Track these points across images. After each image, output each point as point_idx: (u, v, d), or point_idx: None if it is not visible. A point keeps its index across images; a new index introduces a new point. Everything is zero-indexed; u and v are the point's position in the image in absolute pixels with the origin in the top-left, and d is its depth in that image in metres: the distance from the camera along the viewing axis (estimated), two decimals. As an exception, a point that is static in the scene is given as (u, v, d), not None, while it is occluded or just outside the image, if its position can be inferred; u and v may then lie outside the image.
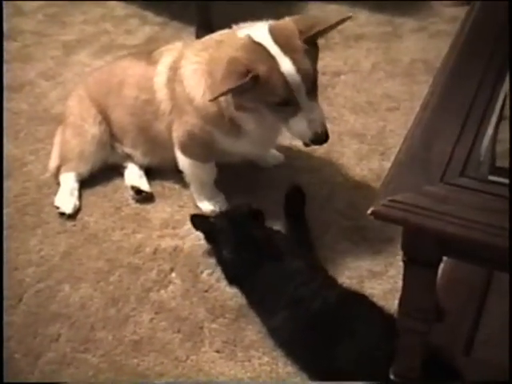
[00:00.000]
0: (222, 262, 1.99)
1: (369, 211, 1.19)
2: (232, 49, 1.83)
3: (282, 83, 1.79)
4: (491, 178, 1.22)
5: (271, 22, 1.88)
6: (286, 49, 1.80)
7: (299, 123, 1.86)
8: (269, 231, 2.02)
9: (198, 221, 2.04)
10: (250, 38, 1.82)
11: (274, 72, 1.79)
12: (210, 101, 1.85)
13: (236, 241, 1.95)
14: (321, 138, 1.88)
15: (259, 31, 1.84)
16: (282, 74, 1.79)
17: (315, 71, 1.87)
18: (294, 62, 1.79)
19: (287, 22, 1.87)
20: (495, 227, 1.13)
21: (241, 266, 1.93)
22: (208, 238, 2.03)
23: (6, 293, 1.96)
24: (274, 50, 1.80)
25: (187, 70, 2.00)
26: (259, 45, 1.81)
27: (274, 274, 1.87)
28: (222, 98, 1.89)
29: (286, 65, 1.79)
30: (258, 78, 1.77)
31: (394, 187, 1.21)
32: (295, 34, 1.83)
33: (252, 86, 1.78)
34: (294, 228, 2.04)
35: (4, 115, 2.64)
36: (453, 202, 1.18)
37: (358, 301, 1.75)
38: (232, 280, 1.96)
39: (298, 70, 1.79)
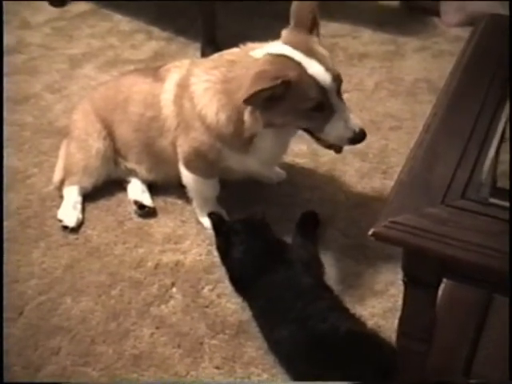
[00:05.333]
0: (229, 263, 2.00)
1: (370, 232, 1.20)
2: (253, 66, 1.84)
3: (314, 85, 1.81)
4: (492, 200, 1.23)
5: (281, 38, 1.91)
6: (309, 53, 1.83)
7: (336, 126, 1.87)
8: (282, 241, 2.04)
9: (216, 218, 2.06)
10: (269, 53, 1.84)
11: (304, 76, 1.81)
12: (245, 102, 1.79)
13: (248, 243, 1.97)
14: (360, 135, 1.88)
15: (276, 46, 1.87)
16: (312, 77, 1.81)
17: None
18: (320, 62, 1.82)
19: (293, 30, 1.90)
20: (495, 250, 1.14)
21: (249, 269, 1.94)
22: (219, 238, 2.03)
23: (6, 305, 1.96)
24: (298, 56, 1.82)
25: (198, 88, 2.00)
26: (281, 56, 1.83)
27: (282, 284, 1.88)
28: (247, 117, 1.89)
29: (314, 66, 1.82)
30: (289, 83, 1.78)
31: (395, 208, 1.23)
32: (310, 38, 1.88)
33: (284, 93, 1.79)
34: (304, 245, 2.06)
35: (8, 127, 2.66)
36: (453, 225, 1.19)
37: (367, 341, 1.72)
38: (236, 282, 1.97)
39: (327, 70, 1.82)
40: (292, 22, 1.91)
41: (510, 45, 1.65)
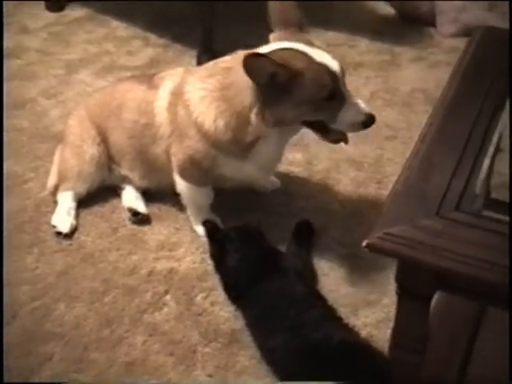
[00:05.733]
0: (223, 271, 2.00)
1: (364, 243, 1.20)
2: None
3: (326, 72, 1.83)
4: (485, 213, 1.24)
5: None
6: (310, 44, 1.86)
7: (349, 112, 1.89)
8: (276, 250, 2.05)
9: (210, 226, 2.06)
10: (268, 52, 1.84)
11: (313, 64, 1.83)
12: (247, 71, 1.77)
13: (243, 251, 1.97)
14: (372, 117, 1.91)
15: (271, 46, 1.89)
16: (321, 64, 1.83)
17: None
18: (324, 51, 1.86)
19: (283, 30, 1.93)
20: (489, 263, 1.15)
21: (243, 277, 1.94)
22: (214, 245, 2.03)
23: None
24: (301, 47, 1.85)
25: (194, 96, 2.00)
26: (284, 49, 1.85)
27: (275, 293, 1.88)
28: (254, 118, 1.89)
29: (321, 55, 1.85)
30: (297, 73, 1.79)
31: (390, 220, 1.23)
32: (303, 34, 1.92)
33: (294, 84, 1.80)
34: (298, 254, 2.07)
35: (5, 132, 2.66)
36: (447, 237, 1.20)
37: (360, 352, 1.72)
38: (230, 290, 1.97)
39: (333, 58, 1.86)
40: (274, 23, 1.94)
41: (510, 45, 1.67)
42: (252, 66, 1.77)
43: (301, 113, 1.89)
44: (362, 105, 1.91)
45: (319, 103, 1.86)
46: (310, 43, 1.88)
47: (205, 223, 2.09)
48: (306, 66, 1.82)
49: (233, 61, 1.96)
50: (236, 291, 1.96)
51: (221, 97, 1.94)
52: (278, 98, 1.84)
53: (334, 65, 1.85)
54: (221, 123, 1.95)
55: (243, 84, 1.87)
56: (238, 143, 1.97)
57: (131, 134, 2.21)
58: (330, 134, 1.97)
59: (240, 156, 2.02)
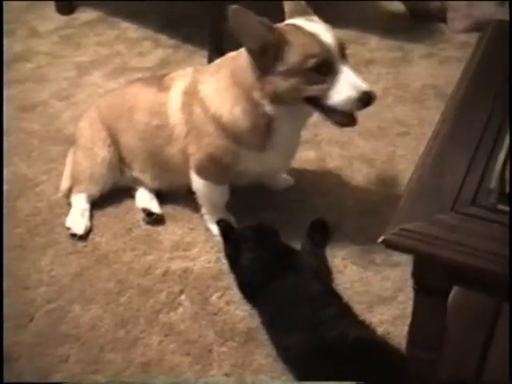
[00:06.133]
0: (238, 270, 2.00)
1: (379, 239, 1.20)
2: None
3: (315, 41, 1.81)
4: (500, 207, 1.23)
5: None
6: (309, 19, 1.88)
7: (342, 88, 1.82)
8: (290, 248, 2.04)
9: (224, 225, 2.06)
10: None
11: (302, 32, 1.83)
12: (234, 30, 1.79)
13: (258, 250, 1.97)
14: (369, 94, 1.82)
15: None
16: (311, 33, 1.82)
17: None
18: (320, 23, 1.86)
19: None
20: (504, 257, 1.14)
21: (258, 275, 1.94)
22: (228, 245, 2.04)
23: (16, 312, 1.97)
24: (297, 21, 1.86)
25: (208, 91, 2.01)
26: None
27: (291, 290, 1.88)
28: (257, 93, 1.89)
29: (313, 25, 1.85)
30: (286, 40, 1.80)
31: (405, 216, 1.22)
32: (310, 14, 1.92)
33: (283, 50, 1.80)
34: (313, 252, 2.07)
35: (17, 135, 2.68)
36: (463, 231, 1.19)
37: (376, 349, 1.71)
38: (245, 289, 1.98)
39: (326, 29, 1.84)
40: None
41: (510, 44, 1.66)
42: (237, 19, 1.78)
43: (292, 84, 1.84)
44: (359, 80, 1.83)
45: (310, 75, 1.82)
46: (311, 18, 1.88)
47: (218, 223, 2.09)
48: (294, 34, 1.81)
49: (238, 53, 1.97)
50: (251, 290, 1.96)
51: (232, 84, 1.95)
52: (270, 67, 1.83)
53: (327, 35, 1.82)
54: (237, 111, 1.95)
55: (246, 63, 1.88)
56: (256, 131, 1.97)
57: (143, 136, 2.22)
58: (334, 114, 1.89)
59: (259, 147, 2.01)
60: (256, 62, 1.85)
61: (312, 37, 1.81)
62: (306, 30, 1.83)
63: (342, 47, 1.85)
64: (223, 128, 1.99)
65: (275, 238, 2.02)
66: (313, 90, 1.85)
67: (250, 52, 1.85)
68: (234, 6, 1.77)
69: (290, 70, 1.82)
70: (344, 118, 1.90)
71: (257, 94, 1.90)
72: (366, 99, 1.82)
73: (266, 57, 1.83)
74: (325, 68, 1.81)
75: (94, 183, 2.32)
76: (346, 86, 1.82)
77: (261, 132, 1.97)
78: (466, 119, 1.50)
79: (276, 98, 1.88)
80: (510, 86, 1.53)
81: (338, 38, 1.84)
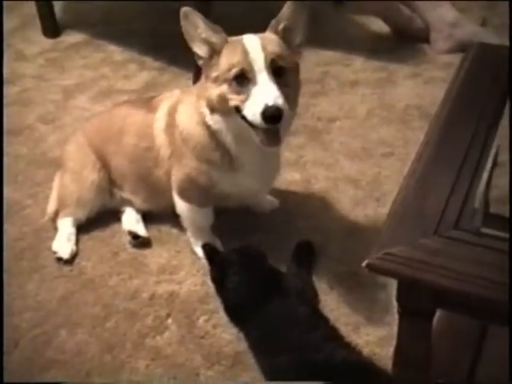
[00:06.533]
0: (224, 293, 1.99)
1: (363, 264, 1.21)
2: None
3: (240, 50, 1.81)
4: (484, 230, 1.24)
5: None
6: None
7: (252, 100, 1.78)
8: (277, 271, 2.04)
9: (209, 249, 2.06)
10: None
11: (230, 43, 1.85)
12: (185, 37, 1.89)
13: (243, 274, 1.96)
14: (272, 109, 1.74)
15: None
16: (238, 43, 1.83)
17: (287, 57, 1.85)
18: (261, 38, 1.84)
19: None
20: (488, 280, 1.15)
21: (244, 298, 1.93)
22: (214, 269, 2.03)
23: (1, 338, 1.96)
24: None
25: (181, 111, 2.04)
26: None
27: (278, 313, 1.88)
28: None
29: (246, 36, 1.86)
30: (217, 49, 1.85)
31: (389, 240, 1.23)
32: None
33: (215, 60, 1.85)
34: (299, 274, 2.06)
35: (3, 158, 2.67)
36: (446, 255, 1.20)
37: (363, 370, 1.72)
38: (232, 312, 1.97)
39: (257, 41, 1.82)
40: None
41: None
42: (187, 21, 1.85)
43: (221, 91, 1.84)
44: (269, 93, 1.76)
45: (233, 85, 1.82)
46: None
47: (204, 246, 2.08)
48: (230, 43, 1.85)
49: None
50: (237, 313, 1.95)
51: (197, 101, 1.97)
52: (210, 74, 1.88)
53: (253, 47, 1.80)
54: (193, 124, 1.98)
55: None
56: (211, 146, 1.97)
57: (132, 158, 2.23)
58: (258, 131, 1.82)
59: (228, 167, 2.00)
60: (203, 70, 1.90)
61: (239, 47, 1.82)
62: (239, 40, 1.85)
63: (272, 60, 1.80)
64: (192, 149, 2.01)
65: (261, 261, 2.02)
66: (234, 100, 1.84)
67: (199, 58, 1.90)
68: (184, 8, 1.82)
69: (220, 77, 1.85)
70: (265, 135, 1.82)
71: (202, 104, 1.93)
72: (267, 113, 1.75)
73: (211, 64, 1.87)
74: (244, 78, 1.81)
75: (80, 207, 2.32)
76: (256, 99, 1.78)
77: (217, 148, 1.97)
78: (449, 139, 1.51)
79: (210, 106, 1.90)
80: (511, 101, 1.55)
81: (272, 52, 1.81)
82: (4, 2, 3.76)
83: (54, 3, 3.65)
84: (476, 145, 1.47)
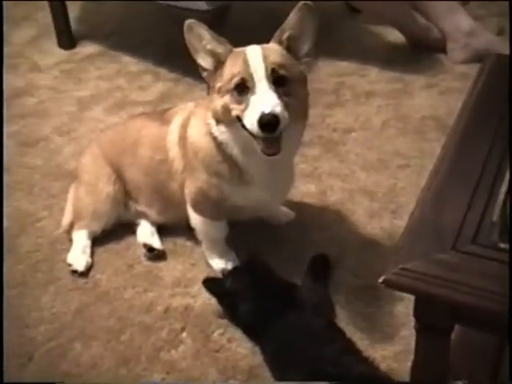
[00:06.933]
0: (237, 318, 1.98)
1: (380, 280, 1.20)
2: None
3: (241, 60, 1.81)
4: (501, 245, 1.22)
5: None
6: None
7: (251, 109, 1.78)
8: (289, 284, 2.03)
9: (211, 284, 2.03)
10: None
11: (233, 53, 1.86)
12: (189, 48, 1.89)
13: (253, 296, 1.95)
14: (268, 117, 1.73)
15: None
16: (240, 53, 1.83)
17: (290, 67, 1.84)
18: (262, 48, 1.84)
19: None
20: (505, 296, 1.13)
21: (259, 317, 1.91)
22: (222, 302, 2.02)
23: (16, 351, 1.96)
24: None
25: (193, 124, 2.04)
26: None
27: (294, 327, 1.87)
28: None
29: (248, 47, 1.85)
30: (220, 60, 1.86)
31: (405, 255, 1.22)
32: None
33: (219, 71, 1.86)
34: (315, 287, 2.04)
35: (19, 170, 2.69)
36: (464, 270, 1.18)
37: None
38: (247, 331, 1.96)
39: (258, 51, 1.82)
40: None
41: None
42: (192, 34, 1.86)
43: (224, 102, 1.85)
44: (268, 102, 1.75)
45: (234, 94, 1.82)
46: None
47: (204, 282, 2.04)
48: (233, 53, 1.85)
49: None
50: (252, 332, 1.94)
51: (205, 113, 1.97)
52: (212, 86, 1.89)
53: (253, 57, 1.80)
54: (201, 136, 1.98)
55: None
56: (224, 160, 1.96)
57: (147, 171, 2.23)
58: (259, 140, 1.81)
59: (238, 180, 1.99)
60: (208, 82, 1.91)
61: (241, 57, 1.82)
62: (242, 51, 1.84)
63: (273, 69, 1.79)
64: (202, 162, 2.00)
65: (269, 275, 2.00)
66: (235, 109, 1.84)
67: (203, 70, 1.90)
68: (189, 21, 1.82)
69: (223, 87, 1.85)
70: (264, 143, 1.81)
71: (209, 115, 1.93)
72: (262, 120, 1.74)
73: (215, 75, 1.87)
74: (244, 88, 1.81)
75: (96, 219, 2.32)
76: (253, 107, 1.78)
77: (225, 160, 1.96)
78: (466, 153, 1.50)
79: (216, 117, 1.90)
80: (510, 117, 1.53)
81: (273, 61, 1.80)
82: (19, 12, 3.81)
83: (70, 15, 3.67)
84: (493, 158, 1.45)
